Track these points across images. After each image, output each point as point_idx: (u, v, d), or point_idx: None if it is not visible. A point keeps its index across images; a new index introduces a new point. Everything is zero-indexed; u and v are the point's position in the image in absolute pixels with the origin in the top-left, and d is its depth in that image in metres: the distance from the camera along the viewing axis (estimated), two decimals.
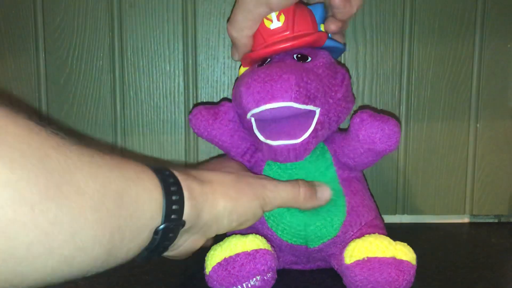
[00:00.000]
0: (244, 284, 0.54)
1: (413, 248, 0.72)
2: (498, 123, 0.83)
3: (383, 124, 0.58)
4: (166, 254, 0.51)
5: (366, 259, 0.55)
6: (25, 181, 0.34)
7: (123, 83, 0.82)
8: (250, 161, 0.66)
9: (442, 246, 0.74)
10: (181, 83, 0.82)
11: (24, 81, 0.82)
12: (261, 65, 0.63)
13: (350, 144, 0.60)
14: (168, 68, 0.82)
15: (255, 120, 0.60)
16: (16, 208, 0.33)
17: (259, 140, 0.60)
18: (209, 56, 0.82)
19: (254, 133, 0.60)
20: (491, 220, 0.86)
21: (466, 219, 0.86)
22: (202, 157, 0.83)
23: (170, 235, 0.46)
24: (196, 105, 0.71)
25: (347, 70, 0.64)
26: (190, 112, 0.66)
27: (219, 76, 0.82)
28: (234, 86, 0.66)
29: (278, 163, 0.63)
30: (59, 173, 0.36)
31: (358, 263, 0.55)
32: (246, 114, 0.58)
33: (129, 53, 0.81)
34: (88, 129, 0.82)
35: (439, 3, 0.80)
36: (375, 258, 0.54)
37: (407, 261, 0.55)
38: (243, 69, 0.67)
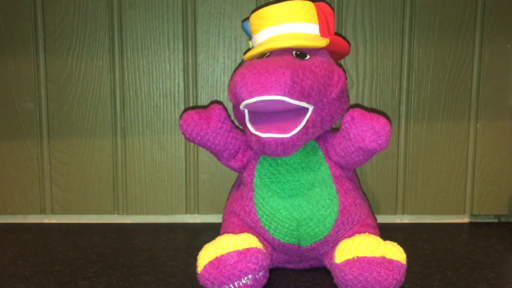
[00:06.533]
0: (235, 283, 0.55)
1: (413, 248, 0.72)
2: (498, 123, 0.83)
3: (373, 122, 0.58)
4: None
5: (355, 258, 0.55)
6: None
7: (123, 83, 0.82)
8: (242, 160, 0.66)
9: (442, 246, 0.74)
10: (181, 83, 0.82)
11: (24, 81, 0.82)
12: (260, 58, 0.63)
13: (341, 143, 0.61)
14: (168, 68, 0.82)
15: (248, 112, 0.60)
16: None
17: (250, 131, 0.60)
18: (209, 56, 0.82)
19: (246, 125, 0.60)
20: (491, 220, 0.86)
21: (466, 219, 0.86)
22: (202, 157, 0.83)
23: None
24: (185, 110, 0.70)
25: (344, 71, 0.64)
26: (180, 117, 0.64)
27: (219, 76, 0.82)
28: (232, 76, 0.65)
29: (270, 161, 0.63)
30: None
31: (348, 262, 0.55)
32: (240, 104, 0.58)
33: (129, 53, 0.81)
34: (88, 129, 0.82)
35: (439, 3, 0.80)
36: (365, 257, 0.55)
37: (396, 260, 0.55)
38: (247, 56, 0.66)
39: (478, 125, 0.83)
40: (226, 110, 0.65)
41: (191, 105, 0.82)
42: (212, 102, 0.82)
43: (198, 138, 0.63)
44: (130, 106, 0.82)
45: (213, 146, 0.64)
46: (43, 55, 0.81)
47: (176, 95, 0.82)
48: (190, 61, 0.82)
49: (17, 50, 0.81)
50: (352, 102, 0.82)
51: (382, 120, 0.58)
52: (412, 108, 0.82)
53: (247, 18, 0.68)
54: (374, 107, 0.82)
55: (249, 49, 0.66)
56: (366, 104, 0.82)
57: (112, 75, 0.82)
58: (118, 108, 0.82)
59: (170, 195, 0.84)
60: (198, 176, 0.84)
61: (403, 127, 0.83)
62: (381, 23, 0.81)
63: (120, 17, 0.81)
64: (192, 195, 0.84)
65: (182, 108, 0.82)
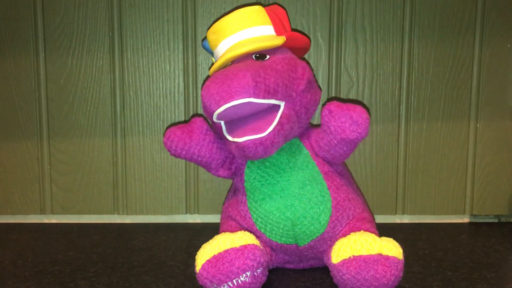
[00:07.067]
0: (234, 280, 0.55)
1: (413, 248, 0.72)
2: (498, 123, 0.83)
3: (350, 112, 0.58)
4: None
5: (352, 257, 0.55)
6: None
7: (123, 83, 0.82)
8: (230, 168, 0.66)
9: (442, 246, 0.74)
10: (181, 83, 0.82)
11: (24, 81, 0.82)
12: None
13: (324, 138, 0.61)
14: (168, 68, 0.82)
15: (225, 123, 0.61)
16: None
17: (229, 141, 0.60)
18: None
19: (224, 136, 0.61)
20: (491, 220, 0.86)
21: (466, 219, 0.86)
22: None
23: None
24: (169, 126, 0.72)
25: (308, 63, 0.65)
26: (163, 135, 0.65)
27: None
28: None
29: (258, 164, 0.63)
30: None
31: (345, 262, 0.55)
32: (212, 117, 0.59)
33: (129, 53, 0.81)
34: (88, 129, 0.82)
35: (439, 3, 0.81)
36: (361, 256, 0.55)
37: (393, 256, 0.55)
38: (211, 71, 0.68)
39: (478, 125, 0.83)
40: (207, 121, 0.65)
41: (191, 105, 0.82)
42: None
43: (184, 153, 0.64)
44: (130, 106, 0.82)
45: (199, 159, 0.65)
46: (43, 55, 0.81)
47: (176, 95, 0.82)
48: (190, 61, 0.82)
49: (17, 50, 0.81)
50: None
51: (359, 108, 0.59)
52: (412, 108, 0.82)
53: (206, 37, 0.69)
54: (374, 107, 0.82)
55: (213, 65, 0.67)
56: (366, 104, 0.82)
57: (112, 75, 0.82)
58: (118, 108, 0.82)
59: (170, 195, 0.84)
60: (198, 176, 0.84)
61: (403, 127, 0.83)
62: (381, 23, 0.81)
63: (120, 17, 0.81)
64: (192, 195, 0.84)
65: (182, 108, 0.82)
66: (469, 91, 0.82)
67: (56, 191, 0.84)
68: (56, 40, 0.81)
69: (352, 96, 0.82)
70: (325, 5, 0.80)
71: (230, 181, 0.83)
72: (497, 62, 0.82)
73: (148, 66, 0.82)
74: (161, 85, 0.82)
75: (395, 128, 0.82)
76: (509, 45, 0.82)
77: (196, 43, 0.81)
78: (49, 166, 0.83)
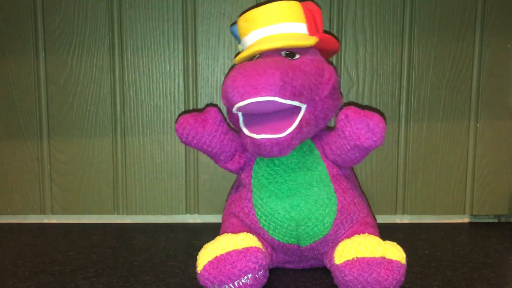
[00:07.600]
0: (235, 282, 0.55)
1: (413, 248, 0.73)
2: (498, 123, 0.83)
3: (367, 120, 0.58)
4: None
5: (355, 259, 0.55)
6: None
7: (123, 83, 0.82)
8: (239, 162, 0.66)
9: (442, 246, 0.74)
10: (181, 83, 0.82)
11: (24, 81, 0.82)
12: (250, 60, 0.63)
13: (337, 141, 0.61)
14: (168, 68, 0.82)
15: (242, 114, 0.60)
16: None
17: (244, 134, 0.60)
18: (209, 56, 0.82)
19: (240, 128, 0.60)
20: (491, 220, 0.86)
21: (466, 219, 0.86)
22: (202, 157, 0.83)
23: None
24: (183, 112, 0.71)
25: (335, 68, 0.64)
26: (176, 121, 0.65)
27: (219, 76, 0.82)
28: (224, 80, 0.66)
29: (267, 162, 0.63)
30: None
31: (348, 263, 0.55)
32: (232, 108, 0.58)
33: (129, 53, 0.81)
34: (88, 129, 0.82)
35: (439, 3, 0.81)
36: (364, 258, 0.55)
37: (396, 260, 0.55)
38: (237, 60, 0.67)
39: (478, 125, 0.83)
40: (221, 112, 0.65)
41: (191, 105, 0.82)
42: (212, 103, 0.82)
43: (194, 141, 0.63)
44: (130, 106, 0.82)
45: (209, 149, 0.64)
46: (43, 55, 0.81)
47: (176, 95, 0.82)
48: (190, 61, 0.82)
49: (17, 50, 0.81)
50: (353, 102, 0.82)
51: (376, 117, 0.58)
52: (412, 108, 0.82)
53: (235, 22, 0.68)
54: (374, 107, 0.82)
55: (239, 53, 0.66)
56: (366, 104, 0.82)
57: (112, 75, 0.82)
58: (118, 108, 0.82)
59: (170, 195, 0.84)
60: (198, 176, 0.84)
61: (403, 127, 0.82)
62: (381, 23, 0.81)
63: (120, 17, 0.81)
64: (192, 195, 0.84)
65: (182, 108, 0.82)
66: (469, 91, 0.82)
67: (56, 191, 0.84)
68: (56, 40, 0.81)
69: (352, 96, 0.82)
70: (325, 5, 0.80)
71: (230, 181, 0.83)
72: (497, 62, 0.82)
73: (148, 66, 0.82)
74: (161, 85, 0.82)
75: (395, 128, 0.82)
76: (509, 45, 0.82)
77: (196, 43, 0.81)
78: (49, 166, 0.83)
